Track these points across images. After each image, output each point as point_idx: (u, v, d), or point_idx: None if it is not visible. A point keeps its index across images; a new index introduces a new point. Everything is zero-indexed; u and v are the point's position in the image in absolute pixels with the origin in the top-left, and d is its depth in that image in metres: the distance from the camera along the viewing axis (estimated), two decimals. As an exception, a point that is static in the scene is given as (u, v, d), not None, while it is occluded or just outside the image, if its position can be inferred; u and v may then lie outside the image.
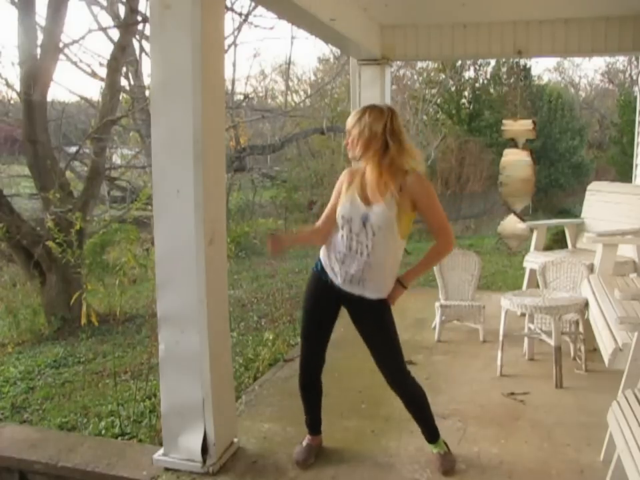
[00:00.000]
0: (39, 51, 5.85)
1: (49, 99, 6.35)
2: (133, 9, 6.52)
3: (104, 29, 8.18)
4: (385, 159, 2.28)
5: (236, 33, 9.40)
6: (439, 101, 15.47)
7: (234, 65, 12.38)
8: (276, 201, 12.92)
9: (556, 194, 15.82)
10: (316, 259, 2.52)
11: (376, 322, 2.43)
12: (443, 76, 15.47)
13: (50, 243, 5.45)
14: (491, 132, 14.81)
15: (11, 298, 6.22)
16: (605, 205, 4.80)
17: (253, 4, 7.43)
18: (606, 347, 2.59)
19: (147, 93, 7.51)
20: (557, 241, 6.79)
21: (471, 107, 16.29)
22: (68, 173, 7.01)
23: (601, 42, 4.73)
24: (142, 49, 8.72)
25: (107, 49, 18.94)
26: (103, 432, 3.25)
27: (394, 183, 2.27)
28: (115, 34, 7.28)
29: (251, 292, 6.95)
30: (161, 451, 2.55)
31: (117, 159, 9.35)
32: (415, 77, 15.73)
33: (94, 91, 30.35)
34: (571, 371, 3.51)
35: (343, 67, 11.83)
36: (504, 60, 13.35)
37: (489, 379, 3.50)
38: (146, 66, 9.10)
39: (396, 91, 13.51)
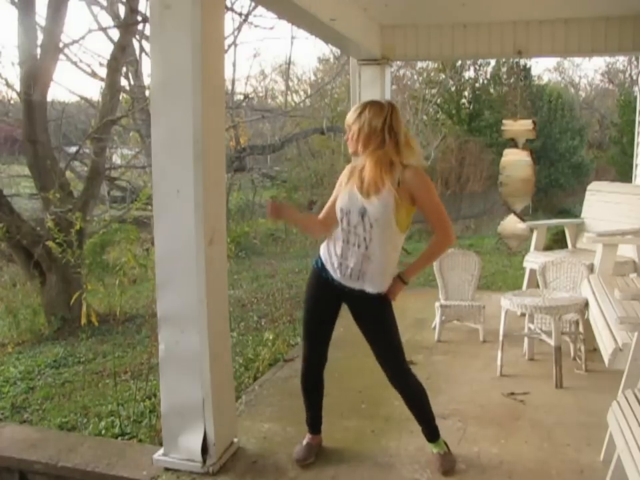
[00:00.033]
0: (39, 51, 5.85)
1: (49, 99, 6.36)
2: (133, 9, 6.52)
3: (104, 29, 8.18)
4: (384, 154, 2.29)
5: (236, 33, 9.40)
6: (439, 101, 15.47)
7: (234, 65, 12.39)
8: (276, 201, 12.89)
9: (556, 194, 15.82)
10: (316, 256, 2.52)
11: (377, 318, 2.43)
12: (443, 76, 15.46)
13: (50, 243, 5.45)
14: (491, 132, 14.81)
15: (11, 298, 6.23)
16: (604, 204, 4.81)
17: (253, 4, 7.43)
18: (606, 347, 2.59)
19: (147, 92, 7.51)
20: (557, 241, 6.79)
21: (471, 107, 16.28)
22: (68, 173, 7.02)
23: (601, 42, 4.73)
24: (142, 49, 8.72)
25: (106, 49, 18.96)
26: (103, 432, 3.25)
27: (392, 177, 2.28)
28: (115, 34, 7.29)
29: (251, 292, 6.95)
30: (161, 450, 2.55)
31: (117, 159, 9.35)
32: (415, 77, 15.73)
33: (94, 90, 30.38)
34: (571, 371, 3.51)
35: (342, 67, 11.83)
36: (504, 60, 13.35)
37: (489, 379, 3.50)
38: (146, 66, 9.11)
39: (396, 90, 13.50)
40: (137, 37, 7.86)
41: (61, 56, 6.66)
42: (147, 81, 8.59)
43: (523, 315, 3.75)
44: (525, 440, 2.75)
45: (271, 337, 4.54)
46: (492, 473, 2.48)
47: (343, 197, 2.38)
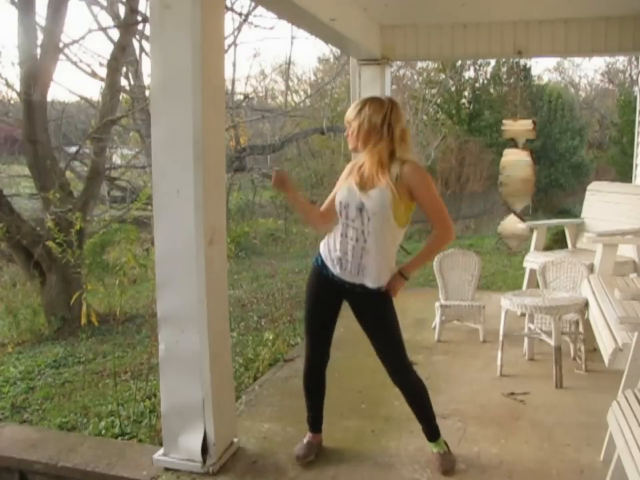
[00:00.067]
0: (39, 51, 5.85)
1: (49, 99, 6.36)
2: (133, 9, 6.52)
3: (104, 29, 8.18)
4: (383, 150, 2.31)
5: (236, 33, 9.40)
6: (439, 101, 15.47)
7: (234, 65, 12.39)
8: (276, 201, 12.92)
9: (556, 194, 15.82)
10: (316, 254, 2.52)
11: (377, 313, 2.43)
12: (443, 76, 15.47)
13: (50, 243, 5.46)
14: (491, 132, 14.81)
15: (11, 298, 6.23)
16: (605, 204, 4.81)
17: (253, 4, 7.43)
18: (606, 347, 2.59)
19: (147, 93, 7.51)
20: (557, 241, 6.79)
21: (471, 106, 16.28)
22: (68, 173, 7.02)
23: (601, 42, 4.73)
24: (142, 49, 8.72)
25: (107, 49, 18.95)
26: (103, 432, 3.25)
27: (390, 173, 2.29)
28: (115, 34, 7.29)
29: (251, 292, 6.95)
30: (161, 450, 2.55)
31: (117, 159, 9.35)
32: (415, 77, 15.74)
33: (94, 90, 30.36)
34: (571, 371, 3.51)
35: (342, 67, 11.83)
36: (504, 60, 13.35)
37: (489, 379, 3.50)
38: (146, 66, 9.11)
39: (396, 90, 13.50)
40: (137, 36, 7.86)
41: (61, 56, 6.67)
42: (147, 81, 8.59)
43: (523, 315, 3.75)
44: (525, 440, 2.75)
45: (270, 337, 4.54)
46: (492, 472, 2.48)
47: (342, 191, 2.40)
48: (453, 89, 16.18)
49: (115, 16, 7.81)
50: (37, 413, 3.72)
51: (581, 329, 3.61)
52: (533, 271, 4.47)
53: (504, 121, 4.84)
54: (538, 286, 4.01)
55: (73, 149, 7.64)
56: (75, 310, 5.42)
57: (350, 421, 2.97)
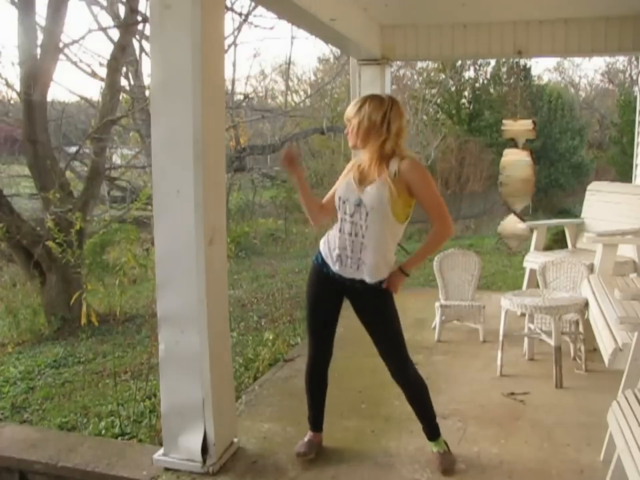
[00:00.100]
0: (39, 51, 5.85)
1: (49, 99, 6.36)
2: (133, 9, 6.52)
3: (104, 29, 8.18)
4: (382, 146, 2.32)
5: (236, 33, 9.41)
6: (439, 101, 15.47)
7: (234, 65, 12.39)
8: (276, 201, 12.92)
9: (556, 194, 15.83)
10: (316, 252, 2.52)
11: (378, 310, 2.44)
12: (443, 76, 15.47)
13: (50, 243, 5.46)
14: (490, 132, 14.82)
15: (11, 298, 6.23)
16: (605, 204, 4.80)
17: (253, 4, 7.43)
18: (606, 347, 2.59)
19: (147, 93, 7.51)
20: (557, 241, 6.79)
21: (471, 106, 16.29)
22: (68, 173, 7.02)
23: (601, 42, 4.73)
24: (142, 49, 8.72)
25: (107, 49, 18.94)
26: (103, 432, 3.25)
27: (389, 168, 2.30)
28: (115, 34, 7.29)
29: (251, 292, 6.95)
30: (161, 450, 2.55)
31: (117, 159, 9.35)
32: (415, 77, 15.74)
33: (94, 91, 30.36)
34: (571, 371, 3.51)
35: (342, 67, 11.83)
36: (504, 60, 13.35)
37: (489, 379, 3.49)
38: (146, 66, 9.11)
39: (396, 90, 13.50)
40: (137, 36, 7.86)
41: (61, 56, 6.68)
42: (147, 81, 8.59)
43: (523, 315, 3.75)
44: (525, 440, 2.75)
45: (270, 337, 4.54)
46: (492, 472, 2.48)
47: (341, 186, 2.42)
48: (453, 89, 16.18)
49: (115, 16, 7.81)
50: (37, 413, 3.72)
51: (581, 329, 3.61)
52: (532, 271, 4.46)
53: (504, 121, 4.84)
54: (538, 286, 4.00)
55: (73, 149, 7.64)
56: (75, 310, 5.42)
57: (350, 420, 2.97)
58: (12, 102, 8.59)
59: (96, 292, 5.75)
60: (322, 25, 3.71)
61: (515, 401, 3.17)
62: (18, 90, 6.04)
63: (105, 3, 8.10)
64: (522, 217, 4.83)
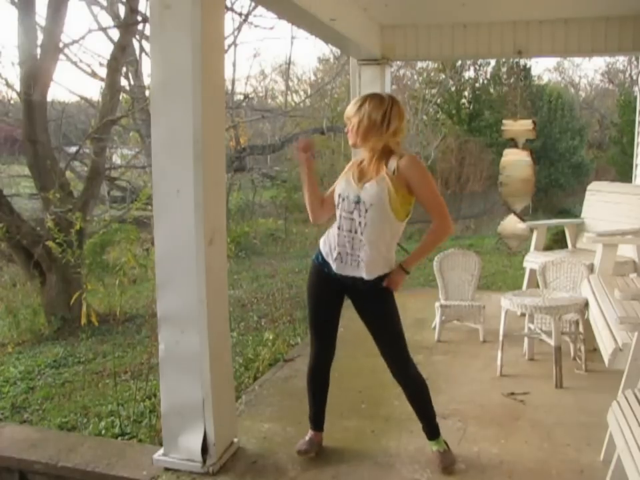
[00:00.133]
0: (39, 51, 5.85)
1: (49, 99, 6.36)
2: (133, 9, 6.52)
3: (104, 29, 8.19)
4: (382, 145, 2.33)
5: (236, 33, 9.41)
6: (438, 101, 15.46)
7: (234, 65, 12.40)
8: (276, 201, 12.92)
9: (556, 194, 15.81)
10: (316, 251, 2.53)
11: (379, 309, 2.44)
12: (443, 76, 15.47)
13: (50, 243, 5.46)
14: (490, 132, 14.80)
15: (11, 298, 6.23)
16: (604, 204, 4.80)
17: (253, 4, 7.43)
18: (606, 347, 2.59)
19: (147, 93, 7.51)
20: (557, 241, 6.79)
21: (471, 106, 16.28)
22: (68, 173, 7.02)
23: (601, 42, 4.73)
24: (142, 49, 8.73)
25: (107, 49, 18.96)
26: (103, 432, 3.25)
27: (388, 166, 2.31)
28: (115, 34, 7.29)
29: (251, 292, 6.95)
30: (161, 450, 2.55)
31: (117, 159, 9.36)
32: (415, 77, 15.74)
33: (94, 91, 30.37)
34: (571, 371, 3.51)
35: (342, 67, 11.83)
36: (504, 60, 13.35)
37: (489, 379, 3.49)
38: (146, 66, 9.11)
39: (396, 90, 13.50)
40: (137, 36, 7.86)
41: (61, 56, 6.68)
42: (147, 81, 8.60)
43: (523, 315, 3.75)
44: (525, 440, 2.75)
45: (270, 337, 4.54)
46: (492, 472, 2.48)
47: (341, 183, 2.44)
48: (453, 89, 16.18)
49: (115, 16, 7.82)
50: (37, 413, 3.72)
51: (581, 329, 3.61)
52: (532, 271, 4.46)
53: (504, 121, 4.84)
54: (538, 286, 4.00)
55: (73, 149, 7.64)
56: (75, 310, 5.42)
57: (350, 420, 2.97)
58: (12, 102, 8.61)
59: (96, 292, 5.76)
60: (322, 24, 3.71)
61: (515, 401, 3.17)
62: (18, 90, 6.04)
63: (104, 3, 8.11)
64: (522, 217, 4.83)
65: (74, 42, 6.79)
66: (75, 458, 2.62)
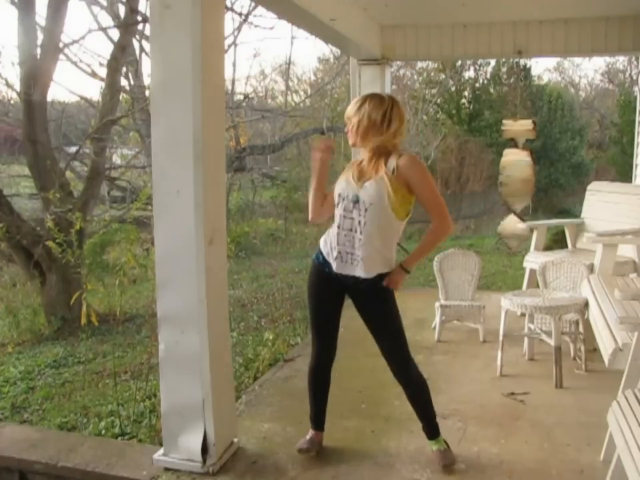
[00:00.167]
0: (39, 51, 5.85)
1: (49, 99, 6.36)
2: (133, 9, 6.52)
3: (104, 29, 8.19)
4: (382, 144, 2.34)
5: (236, 33, 9.41)
6: (439, 101, 15.47)
7: (234, 65, 12.40)
8: (276, 201, 12.93)
9: (556, 194, 15.82)
10: (316, 251, 2.53)
11: (380, 309, 2.44)
12: (443, 76, 15.47)
13: (50, 243, 5.46)
14: (490, 132, 14.81)
15: (11, 298, 6.23)
16: (604, 205, 4.80)
17: (253, 4, 7.43)
18: (606, 347, 2.59)
19: (147, 93, 7.51)
20: (557, 241, 6.79)
21: (471, 106, 16.28)
22: (68, 173, 7.02)
23: (601, 42, 4.73)
24: (142, 49, 8.73)
25: (107, 49, 18.96)
26: (103, 432, 3.25)
27: (387, 165, 2.32)
28: (115, 34, 7.29)
29: (251, 292, 6.95)
30: (161, 451, 2.55)
31: (117, 159, 9.36)
32: (415, 77, 15.74)
33: (94, 91, 30.38)
34: (571, 371, 3.51)
35: (342, 67, 11.83)
36: (504, 60, 13.35)
37: (489, 379, 3.49)
38: (146, 66, 9.11)
39: (396, 90, 13.50)
40: (137, 36, 7.86)
41: (61, 56, 6.68)
42: (147, 81, 8.60)
43: (523, 315, 3.75)
44: (525, 440, 2.75)
45: (270, 337, 4.54)
46: (492, 472, 2.48)
47: (341, 183, 2.44)
48: (453, 89, 16.18)
49: (115, 16, 7.81)
50: (37, 413, 3.72)
51: (581, 329, 3.61)
52: (532, 271, 4.46)
53: (504, 121, 4.84)
54: (538, 286, 4.00)
55: (73, 149, 7.64)
56: (75, 310, 5.42)
57: (350, 420, 2.97)
58: (12, 102, 8.61)
59: (96, 292, 5.76)
60: (322, 25, 3.71)
61: (515, 401, 3.17)
62: (18, 90, 6.04)
63: (104, 3, 8.11)
64: (522, 217, 4.83)
65: (74, 42, 6.80)
66: (75, 458, 2.62)
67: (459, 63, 14.93)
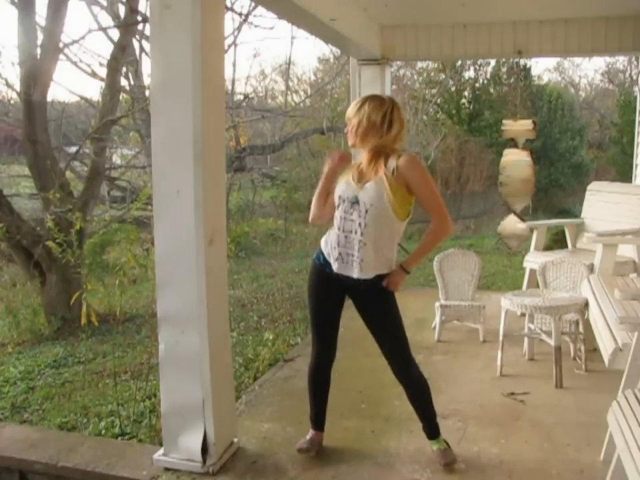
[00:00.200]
0: (39, 51, 5.85)
1: (49, 99, 6.36)
2: (133, 9, 6.52)
3: (104, 29, 8.18)
4: (382, 147, 2.34)
5: (236, 33, 9.41)
6: (439, 101, 15.47)
7: (234, 65, 12.39)
8: (276, 201, 12.93)
9: (556, 194, 15.82)
10: (317, 251, 2.53)
11: (380, 309, 2.45)
12: (443, 76, 15.47)
13: (50, 243, 5.46)
14: (490, 132, 14.81)
15: (11, 298, 6.23)
16: (604, 204, 4.80)
17: (253, 4, 7.43)
18: (606, 347, 2.59)
19: (147, 93, 7.50)
20: (557, 241, 6.79)
21: (471, 106, 16.29)
22: (68, 173, 7.02)
23: (601, 42, 4.73)
24: (142, 49, 8.73)
25: (107, 49, 18.96)
26: (103, 432, 3.25)
27: (387, 166, 2.32)
28: (115, 34, 7.29)
29: (251, 292, 6.95)
30: (161, 450, 2.55)
31: (117, 159, 9.36)
32: (415, 77, 15.74)
33: (94, 91, 30.38)
34: (571, 371, 3.51)
35: (342, 67, 11.83)
36: (504, 60, 13.35)
37: (489, 379, 3.49)
38: (146, 66, 9.11)
39: (396, 90, 13.50)
40: (137, 36, 7.86)
41: (61, 56, 6.67)
42: (147, 81, 8.59)
43: (523, 315, 3.75)
44: (525, 440, 2.75)
45: (270, 337, 4.54)
46: (492, 472, 2.48)
47: (341, 185, 2.44)
48: (453, 89, 16.18)
49: (115, 16, 7.81)
50: (37, 413, 3.72)
51: (581, 329, 3.61)
52: (532, 271, 4.46)
53: (504, 121, 4.84)
54: (538, 286, 4.00)
55: (73, 149, 7.64)
56: (75, 310, 5.42)
57: (350, 420, 2.97)
58: (12, 102, 8.61)
59: (96, 292, 5.76)
60: (322, 25, 3.71)
61: (515, 401, 3.17)
62: (18, 90, 6.04)
63: (104, 3, 8.10)
64: (522, 217, 4.83)
65: (74, 42, 6.80)
66: (75, 458, 2.62)
67: (459, 63, 14.93)
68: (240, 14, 8.67)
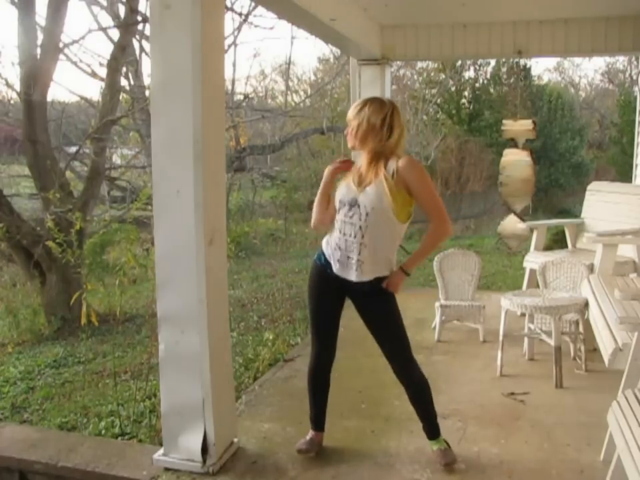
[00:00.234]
0: (39, 51, 5.85)
1: (49, 99, 6.36)
2: (133, 9, 6.52)
3: (104, 29, 8.18)
4: (381, 150, 2.34)
5: (236, 33, 9.40)
6: (439, 101, 15.47)
7: (234, 65, 12.39)
8: (276, 201, 12.93)
9: (556, 194, 15.83)
10: (318, 252, 2.53)
11: (380, 310, 2.45)
12: (443, 76, 15.47)
13: (50, 243, 5.45)
14: (490, 132, 14.81)
15: (11, 298, 6.23)
16: (604, 204, 4.80)
17: (253, 4, 7.43)
18: (606, 347, 2.59)
19: (147, 93, 7.51)
20: (557, 241, 6.78)
21: (471, 106, 16.29)
22: (68, 173, 7.02)
23: (601, 42, 4.73)
24: (142, 49, 8.73)
25: (107, 49, 18.96)
26: (103, 432, 3.25)
27: (387, 169, 2.32)
28: (115, 34, 7.29)
29: (251, 292, 6.95)
30: (161, 450, 2.55)
31: (117, 159, 9.36)
32: (415, 77, 15.74)
33: (94, 91, 30.39)
34: (571, 371, 3.51)
35: (342, 67, 11.83)
36: (504, 60, 13.35)
37: (489, 379, 3.49)
38: (146, 66, 9.11)
39: (396, 90, 13.50)
40: (137, 36, 7.86)
41: (61, 56, 6.67)
42: (147, 81, 8.60)
43: (523, 315, 3.75)
44: (525, 440, 2.75)
45: (270, 337, 4.54)
46: (492, 472, 2.48)
47: (341, 189, 2.44)
48: (453, 89, 16.18)
49: (115, 16, 7.81)
50: (37, 413, 3.72)
51: (581, 329, 3.61)
52: (532, 271, 4.46)
53: (504, 121, 4.84)
54: (538, 286, 4.00)
55: (73, 149, 7.64)
56: (75, 310, 5.41)
57: (350, 420, 2.97)
58: (12, 102, 8.61)
59: (96, 292, 5.75)
60: (322, 25, 3.71)
61: (515, 401, 3.17)
62: (18, 90, 6.04)
63: (105, 3, 8.10)
64: (522, 217, 4.83)
65: (74, 42, 6.80)
66: (75, 458, 2.62)
67: (459, 63, 14.93)
68: (240, 14, 8.67)
